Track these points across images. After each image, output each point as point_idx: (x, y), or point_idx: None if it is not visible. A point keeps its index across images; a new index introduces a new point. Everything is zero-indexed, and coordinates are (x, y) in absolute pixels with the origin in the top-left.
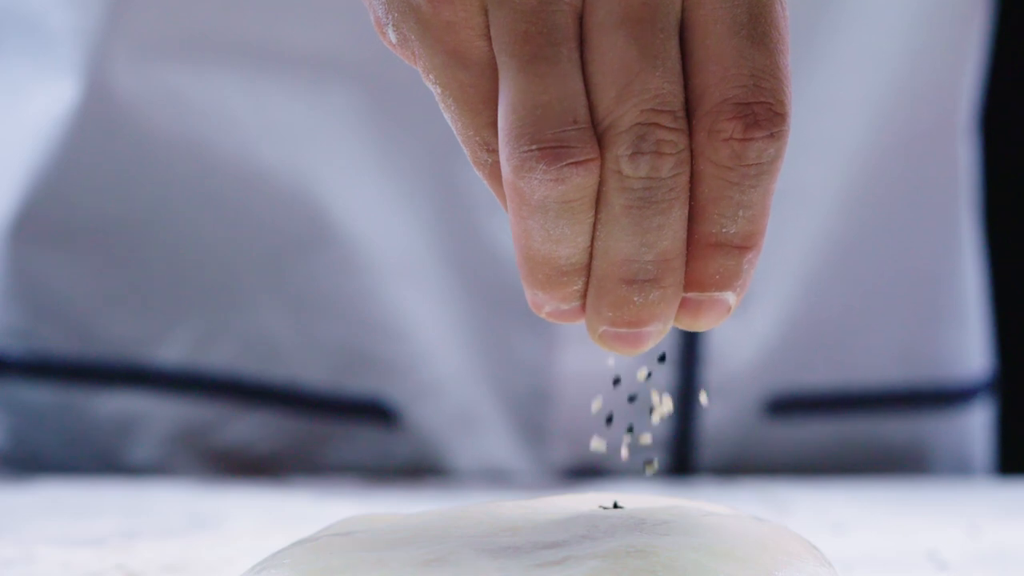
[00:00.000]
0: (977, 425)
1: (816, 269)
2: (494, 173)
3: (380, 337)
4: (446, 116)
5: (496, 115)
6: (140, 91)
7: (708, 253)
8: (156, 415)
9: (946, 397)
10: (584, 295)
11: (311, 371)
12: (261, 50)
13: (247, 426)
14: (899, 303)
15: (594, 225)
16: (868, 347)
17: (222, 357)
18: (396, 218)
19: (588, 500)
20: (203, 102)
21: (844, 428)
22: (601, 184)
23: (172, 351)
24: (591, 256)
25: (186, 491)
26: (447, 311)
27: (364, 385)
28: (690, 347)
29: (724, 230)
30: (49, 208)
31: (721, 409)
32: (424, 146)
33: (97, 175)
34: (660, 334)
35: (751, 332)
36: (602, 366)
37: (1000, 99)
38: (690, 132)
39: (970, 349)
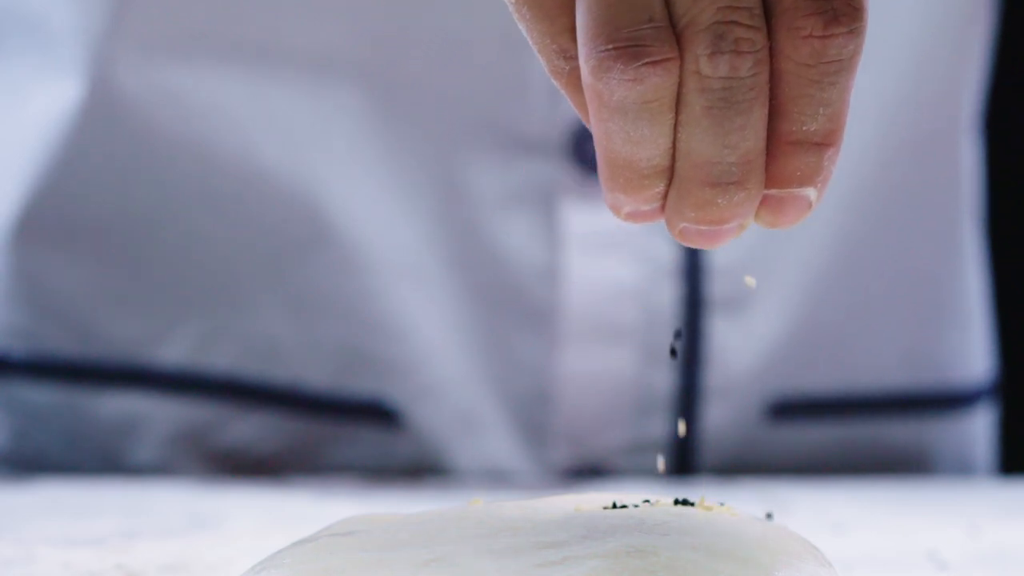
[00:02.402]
0: (980, 428)
1: (819, 272)
2: (572, 81)
3: (381, 338)
4: (521, 27)
5: (571, 21)
6: (142, 91)
7: (789, 151)
8: (157, 416)
9: (949, 400)
10: (664, 196)
11: (312, 372)
12: (263, 50)
13: (248, 427)
14: (902, 306)
15: (675, 127)
16: (871, 350)
17: (223, 358)
18: (398, 219)
19: (588, 500)
20: (205, 102)
21: (847, 431)
22: (681, 85)
23: (173, 351)
24: (672, 158)
25: (186, 491)
26: (448, 312)
27: (365, 386)
28: (692, 349)
29: (805, 128)
30: (51, 208)
31: (723, 411)
32: (426, 146)
33: (99, 175)
34: (741, 229)
35: (753, 334)
36: (603, 366)
37: (1004, 102)
38: (768, 30)
39: (973, 352)
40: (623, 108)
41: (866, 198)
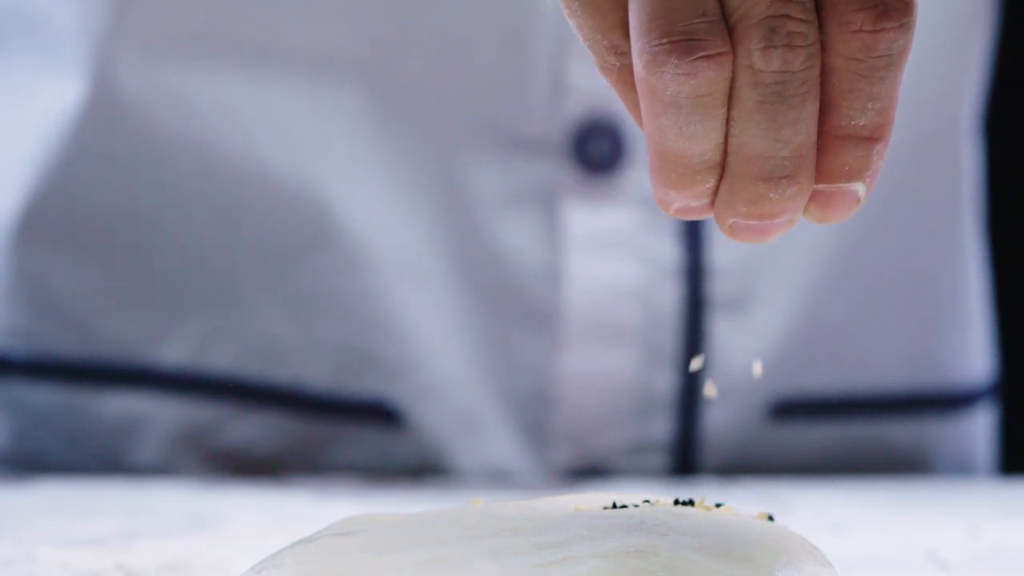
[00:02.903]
0: (980, 429)
1: (819, 273)
2: (622, 78)
3: (382, 338)
4: (571, 23)
5: (622, 17)
6: (144, 90)
7: (838, 145)
8: (159, 416)
9: (949, 401)
10: (715, 191)
11: (313, 372)
12: (266, 50)
13: (249, 427)
14: (902, 307)
15: (727, 122)
16: (871, 350)
17: (225, 358)
18: (399, 218)
19: (588, 500)
20: (207, 102)
21: (848, 432)
22: (733, 80)
23: (175, 351)
24: (724, 153)
25: (186, 491)
26: (450, 312)
27: (366, 386)
28: (693, 350)
29: (854, 122)
30: (52, 208)
31: (724, 412)
32: (428, 146)
33: (101, 175)
34: (790, 224)
35: (754, 336)
36: (604, 367)
37: (1004, 103)
38: (818, 24)
39: (973, 352)
40: (676, 103)
41: (867, 199)
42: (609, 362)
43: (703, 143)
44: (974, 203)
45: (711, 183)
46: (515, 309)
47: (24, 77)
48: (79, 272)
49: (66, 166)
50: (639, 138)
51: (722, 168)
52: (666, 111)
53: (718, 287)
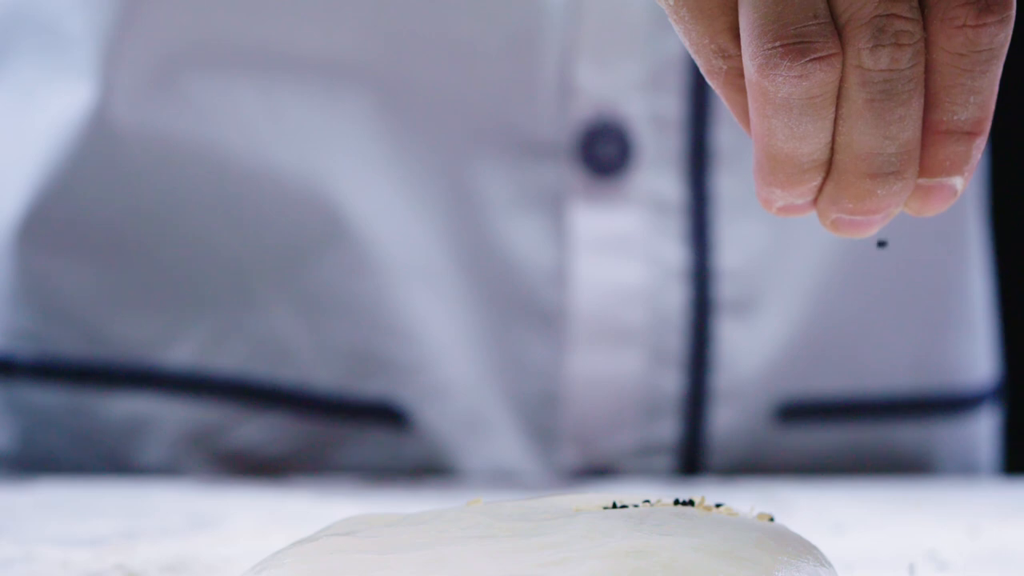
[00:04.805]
0: (984, 431)
1: (825, 276)
2: (729, 80)
3: (391, 339)
4: (678, 28)
5: (730, 21)
6: (153, 94)
7: (939, 140)
8: (165, 417)
9: (954, 403)
10: (819, 188)
11: (321, 373)
12: (275, 54)
13: (257, 428)
14: (908, 310)
15: (835, 120)
16: (877, 353)
17: (232, 359)
18: (408, 221)
19: (588, 500)
20: (216, 105)
21: (852, 434)
22: (842, 79)
23: (182, 353)
24: (831, 151)
25: (186, 491)
26: (458, 314)
27: (374, 387)
28: (700, 352)
29: (955, 117)
30: (59, 210)
31: (731, 414)
32: (437, 149)
33: (109, 177)
34: (889, 217)
35: (761, 338)
36: (611, 368)
37: (1008, 105)
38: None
39: (977, 355)
40: (788, 104)
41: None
42: (616, 364)
43: (813, 142)
44: (979, 206)
45: (818, 181)
46: (522, 311)
47: (33, 80)
48: (85, 273)
49: (74, 168)
50: (646, 140)
51: (828, 165)
52: (777, 112)
53: (725, 289)
